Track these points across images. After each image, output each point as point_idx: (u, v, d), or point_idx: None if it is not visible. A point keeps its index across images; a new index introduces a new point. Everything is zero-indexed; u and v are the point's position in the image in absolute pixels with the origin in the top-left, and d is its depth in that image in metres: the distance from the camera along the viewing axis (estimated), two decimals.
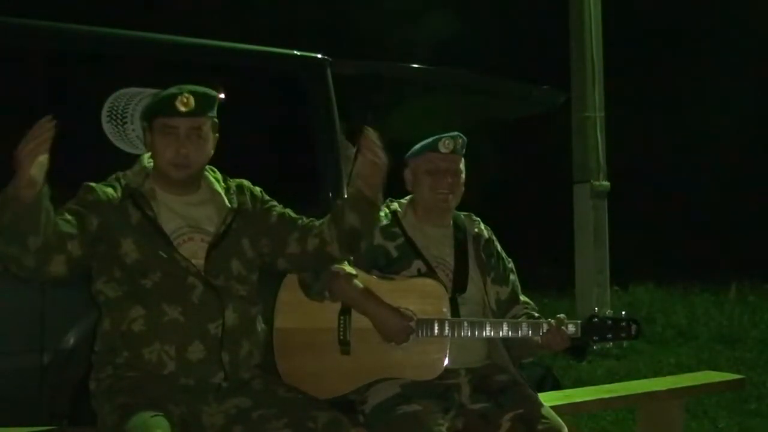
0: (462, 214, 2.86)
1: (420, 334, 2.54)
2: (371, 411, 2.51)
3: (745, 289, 10.46)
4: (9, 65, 3.21)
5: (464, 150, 2.76)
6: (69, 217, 2.20)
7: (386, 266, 2.66)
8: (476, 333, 2.56)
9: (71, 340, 3.11)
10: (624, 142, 10.04)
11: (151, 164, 2.37)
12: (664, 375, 4.93)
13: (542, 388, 4.07)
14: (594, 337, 2.58)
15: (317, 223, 2.43)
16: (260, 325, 2.42)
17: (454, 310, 2.59)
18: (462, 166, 2.75)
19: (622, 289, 10.04)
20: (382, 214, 2.74)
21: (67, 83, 3.35)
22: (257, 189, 2.51)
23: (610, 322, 2.58)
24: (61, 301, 3.06)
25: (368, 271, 2.63)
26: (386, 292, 2.55)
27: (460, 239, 2.77)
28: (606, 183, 7.59)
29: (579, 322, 2.58)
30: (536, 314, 2.73)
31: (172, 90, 2.29)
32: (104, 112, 3.33)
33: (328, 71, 3.85)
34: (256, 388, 2.32)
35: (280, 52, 3.90)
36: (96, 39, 3.53)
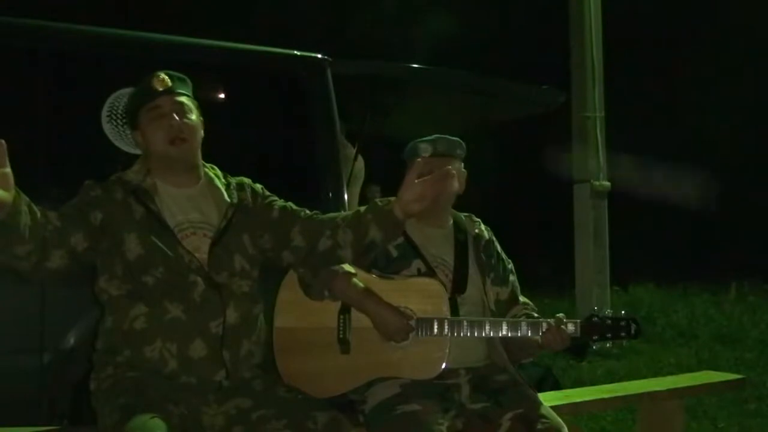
0: (463, 215, 2.87)
1: (419, 333, 2.54)
2: (371, 411, 2.51)
3: (744, 289, 10.48)
4: (9, 65, 3.21)
5: (456, 150, 2.75)
6: (71, 212, 2.22)
7: (386, 266, 2.66)
8: (476, 332, 2.56)
9: (71, 340, 3.11)
10: (624, 142, 10.03)
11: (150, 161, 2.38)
12: (664, 375, 4.93)
13: (542, 388, 4.07)
14: (593, 337, 2.57)
15: (327, 220, 2.41)
16: (261, 325, 2.42)
17: (454, 310, 2.59)
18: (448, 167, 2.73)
19: (622, 289, 10.05)
20: None
21: (67, 83, 3.35)
22: (258, 186, 2.52)
23: (609, 321, 2.58)
24: (61, 301, 3.06)
25: (368, 270, 2.63)
26: (386, 291, 2.55)
27: (461, 240, 2.77)
28: (606, 183, 7.60)
29: (578, 321, 2.58)
30: (536, 314, 2.73)
31: (145, 78, 2.36)
32: (104, 112, 3.33)
33: (328, 71, 3.85)
34: (257, 388, 2.32)
35: (280, 52, 3.90)
36: (96, 39, 3.53)
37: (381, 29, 13.70)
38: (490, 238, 2.85)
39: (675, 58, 15.12)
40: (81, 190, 2.32)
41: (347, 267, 2.53)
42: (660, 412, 3.50)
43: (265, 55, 3.90)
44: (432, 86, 4.93)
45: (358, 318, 2.55)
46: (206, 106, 2.48)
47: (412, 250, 2.68)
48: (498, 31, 14.53)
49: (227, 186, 2.44)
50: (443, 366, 2.54)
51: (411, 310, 2.55)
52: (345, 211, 3.73)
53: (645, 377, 4.86)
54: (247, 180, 2.51)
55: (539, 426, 2.45)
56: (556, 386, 4.89)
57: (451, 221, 2.81)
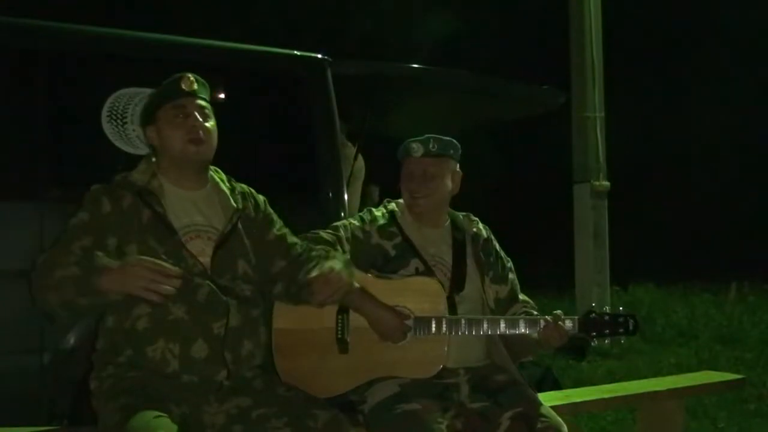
0: (460, 214, 2.87)
1: (417, 332, 2.54)
2: (371, 410, 2.51)
3: (744, 289, 10.47)
4: (9, 65, 3.21)
5: (449, 150, 2.75)
6: (90, 244, 2.22)
7: (384, 265, 2.66)
8: (474, 331, 2.56)
9: (71, 340, 3.11)
10: (624, 142, 10.04)
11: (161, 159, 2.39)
12: (664, 375, 4.93)
13: (542, 388, 4.07)
14: (592, 333, 2.57)
15: (310, 258, 2.44)
16: (262, 327, 2.42)
17: (452, 309, 2.59)
18: (439, 168, 2.73)
19: (622, 289, 10.05)
20: (379, 213, 2.76)
21: (67, 83, 3.35)
22: (261, 198, 2.53)
23: (607, 318, 2.58)
24: None
25: (366, 270, 2.63)
26: (384, 291, 2.55)
27: (459, 239, 2.77)
28: (606, 183, 7.60)
29: (576, 318, 2.58)
30: (535, 312, 2.73)
31: (172, 77, 2.38)
32: (104, 112, 3.33)
33: (328, 71, 3.85)
34: (257, 387, 2.32)
35: (280, 52, 3.91)
36: (96, 39, 3.54)
37: (381, 29, 13.71)
38: (488, 236, 2.85)
39: (675, 58, 15.13)
40: (88, 198, 2.30)
41: None
42: (660, 412, 3.50)
43: (265, 55, 3.90)
44: (432, 86, 4.93)
45: (356, 318, 2.55)
46: None
47: (410, 250, 2.68)
48: (498, 31, 14.54)
49: (232, 190, 2.45)
50: (442, 365, 2.54)
51: (408, 310, 2.55)
52: (345, 210, 3.74)
53: (645, 377, 4.85)
54: (251, 190, 2.52)
55: (539, 425, 2.45)
56: (556, 386, 4.89)
57: (449, 221, 2.81)
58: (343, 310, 2.57)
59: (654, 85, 15.16)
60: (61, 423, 3.02)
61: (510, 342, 2.69)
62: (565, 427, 2.49)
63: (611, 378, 5.92)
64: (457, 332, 2.55)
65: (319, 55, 3.90)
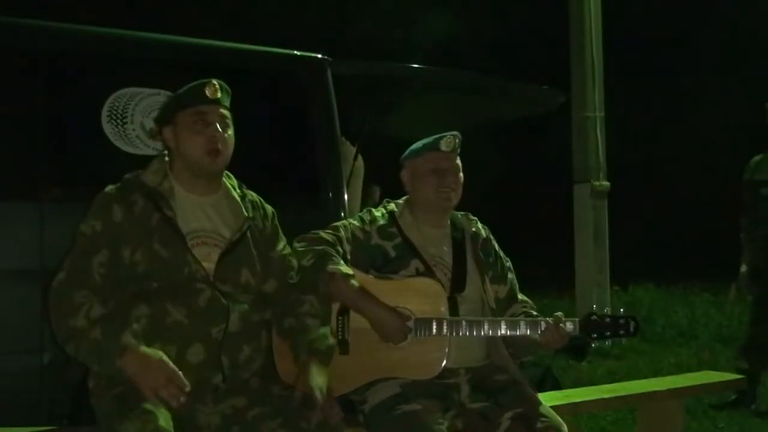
0: (459, 214, 2.86)
1: (418, 333, 2.54)
2: (371, 411, 2.51)
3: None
4: (9, 65, 3.21)
5: (459, 148, 2.77)
6: (108, 261, 2.24)
7: (384, 266, 2.66)
8: (474, 332, 2.56)
9: None
10: (624, 142, 10.04)
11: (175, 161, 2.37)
12: (664, 375, 4.93)
13: (542, 388, 4.07)
14: (592, 335, 2.58)
15: (296, 302, 2.44)
16: (264, 331, 2.41)
17: (453, 310, 2.59)
18: (460, 163, 2.77)
19: (622, 289, 10.04)
20: (378, 214, 2.75)
21: (67, 83, 3.35)
22: (269, 209, 2.53)
23: (608, 319, 2.58)
24: None
25: (366, 271, 2.63)
26: (384, 292, 2.55)
27: (458, 239, 2.77)
28: (606, 183, 7.61)
29: (577, 319, 2.58)
30: (534, 312, 2.73)
31: (198, 81, 2.34)
32: (104, 112, 3.33)
33: (328, 71, 3.85)
34: (252, 386, 2.32)
35: (280, 52, 3.90)
36: (96, 39, 3.53)
37: (381, 29, 13.70)
38: (487, 236, 2.85)
39: (675, 58, 15.12)
40: (99, 204, 2.29)
41: (345, 269, 2.52)
42: (660, 412, 3.50)
43: (265, 55, 3.90)
44: (432, 86, 4.93)
45: (356, 319, 2.55)
46: None
47: (410, 250, 2.68)
48: (498, 31, 14.53)
49: (242, 197, 2.44)
50: (443, 366, 2.54)
51: (409, 311, 2.55)
52: (345, 210, 3.74)
53: (645, 377, 4.86)
54: (260, 199, 2.52)
55: (539, 425, 2.45)
56: (556, 386, 4.89)
57: (448, 221, 2.81)
58: (343, 311, 2.57)
59: (654, 85, 15.16)
60: (61, 423, 3.02)
61: (510, 342, 2.69)
62: (565, 427, 2.49)
63: (611, 378, 5.91)
64: (457, 333, 2.55)
65: (319, 55, 3.90)
